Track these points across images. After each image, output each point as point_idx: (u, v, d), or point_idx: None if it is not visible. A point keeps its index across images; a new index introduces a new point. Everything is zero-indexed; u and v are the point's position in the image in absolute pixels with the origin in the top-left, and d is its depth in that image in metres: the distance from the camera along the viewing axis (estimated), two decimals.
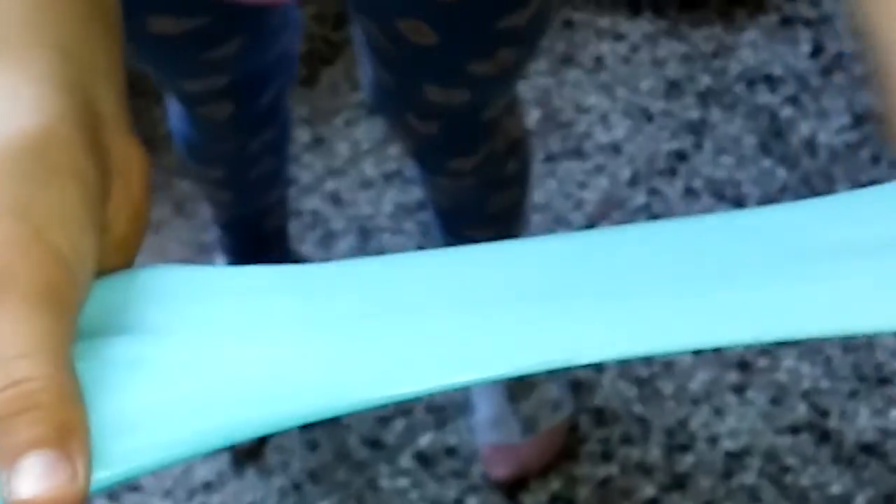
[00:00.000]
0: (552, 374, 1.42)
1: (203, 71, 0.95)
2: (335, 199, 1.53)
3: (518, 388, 1.40)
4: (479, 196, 1.16)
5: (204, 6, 0.85)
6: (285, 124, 1.20)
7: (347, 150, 1.55)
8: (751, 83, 1.60)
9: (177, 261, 1.50)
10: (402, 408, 1.44)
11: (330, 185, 1.53)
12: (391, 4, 0.85)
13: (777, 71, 1.60)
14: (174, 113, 1.15)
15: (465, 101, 0.96)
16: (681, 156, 1.56)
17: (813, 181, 1.55)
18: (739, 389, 1.46)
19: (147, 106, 1.55)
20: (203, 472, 1.41)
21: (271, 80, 1.05)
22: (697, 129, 1.58)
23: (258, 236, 1.36)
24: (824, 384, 1.46)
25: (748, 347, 1.48)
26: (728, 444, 1.44)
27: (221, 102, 1.03)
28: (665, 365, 1.47)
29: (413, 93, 0.96)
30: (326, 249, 1.50)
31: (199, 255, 1.50)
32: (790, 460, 1.43)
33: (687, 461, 1.43)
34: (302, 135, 1.55)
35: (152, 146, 1.54)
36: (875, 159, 1.56)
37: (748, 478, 1.41)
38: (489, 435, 1.41)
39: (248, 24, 0.92)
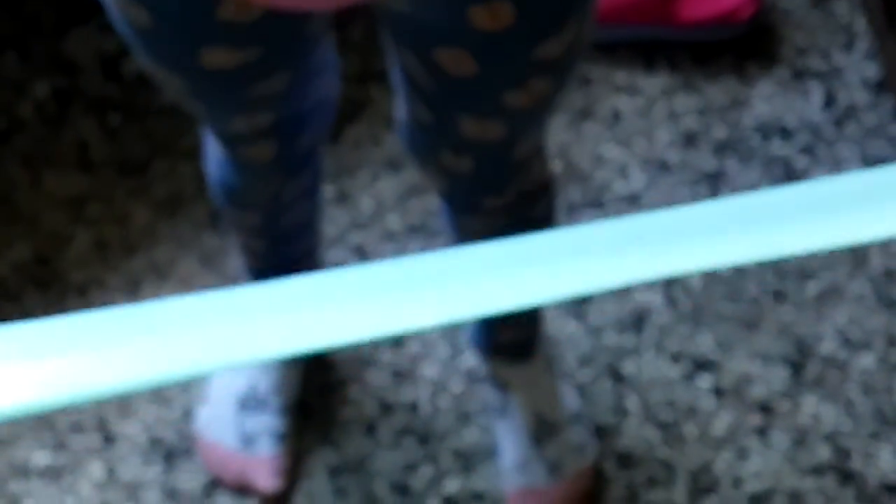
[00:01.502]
0: (576, 418, 1.44)
1: (251, 107, 0.98)
2: (360, 252, 1.56)
3: (543, 432, 1.42)
4: (507, 237, 1.19)
5: (256, 37, 0.89)
6: (319, 171, 1.24)
7: (371, 204, 1.58)
8: (765, 134, 1.63)
9: None
10: (429, 454, 1.46)
11: (355, 238, 1.57)
12: (432, 34, 0.89)
13: (791, 122, 1.64)
14: (213, 160, 1.18)
15: (499, 135, 0.99)
16: (699, 202, 1.59)
17: None
18: (762, 432, 1.48)
19: (175, 164, 1.59)
20: None
21: (311, 122, 1.08)
22: (714, 180, 1.61)
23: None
24: (846, 426, 1.48)
25: (770, 389, 1.50)
26: (752, 486, 1.45)
27: (264, 143, 1.06)
28: (688, 409, 1.49)
29: (449, 127, 0.99)
30: None
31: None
32: (814, 502, 1.45)
33: (711, 502, 1.44)
34: (327, 190, 1.58)
35: (180, 202, 1.57)
36: None
37: None
38: (516, 479, 1.42)
39: (295, 60, 0.95)
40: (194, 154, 1.60)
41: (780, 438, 1.48)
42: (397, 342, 1.51)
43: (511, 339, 1.40)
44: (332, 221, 1.57)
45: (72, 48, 1.66)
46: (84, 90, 1.63)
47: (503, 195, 1.11)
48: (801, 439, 1.48)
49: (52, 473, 1.44)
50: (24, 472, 1.44)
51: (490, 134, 0.99)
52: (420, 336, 1.51)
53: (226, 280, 1.54)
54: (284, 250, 1.32)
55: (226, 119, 1.00)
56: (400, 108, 1.07)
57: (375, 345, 1.51)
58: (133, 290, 1.53)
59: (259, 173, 1.13)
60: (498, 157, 1.04)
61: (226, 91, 0.94)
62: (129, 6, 0.85)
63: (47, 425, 1.46)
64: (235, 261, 1.55)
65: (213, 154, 1.17)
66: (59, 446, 1.45)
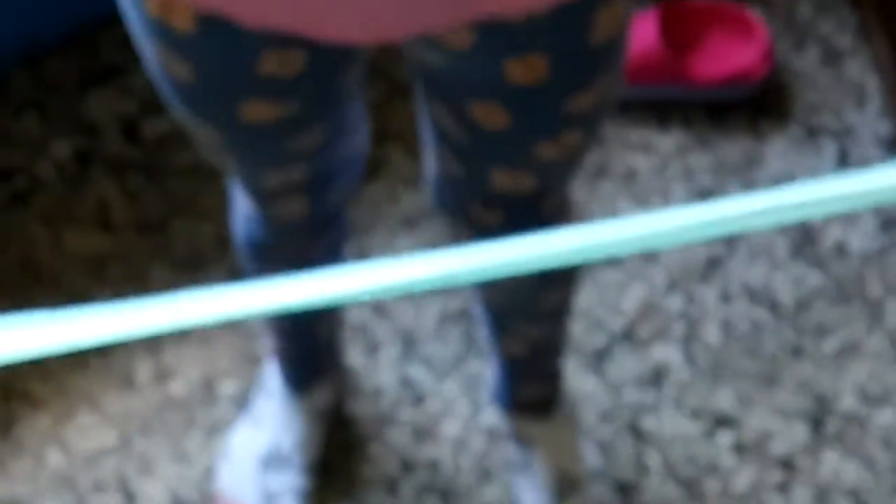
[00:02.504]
0: (597, 475, 1.44)
1: (285, 161, 0.99)
2: (379, 310, 1.57)
3: (564, 488, 1.42)
4: (532, 292, 1.20)
5: (296, 90, 0.90)
6: (345, 229, 1.24)
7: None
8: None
9: (227, 372, 1.53)
10: None
11: None
12: (466, 87, 0.90)
13: (804, 179, 1.65)
14: (240, 216, 1.19)
15: (530, 187, 1.00)
16: (715, 262, 1.60)
17: (846, 284, 1.59)
18: (783, 488, 1.48)
19: (193, 224, 1.60)
20: None
21: (341, 179, 1.09)
22: (731, 237, 1.62)
23: (312, 344, 1.39)
24: (867, 482, 1.48)
25: (790, 445, 1.50)
26: None
27: (295, 199, 1.07)
28: (709, 466, 1.49)
29: (480, 180, 1.00)
30: (372, 359, 1.53)
31: (248, 365, 1.53)
32: None
33: None
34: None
35: (199, 261, 1.58)
36: None
37: None
38: None
39: (330, 115, 0.96)
40: (213, 214, 1.61)
41: (802, 494, 1.48)
42: (418, 399, 1.51)
43: (532, 395, 1.40)
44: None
45: (92, 110, 1.67)
46: (104, 151, 1.64)
47: None
48: (822, 495, 1.48)
49: None
50: None
51: (521, 186, 1.00)
52: (441, 394, 1.51)
53: (246, 338, 1.55)
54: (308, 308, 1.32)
55: (259, 173, 1.01)
56: (429, 163, 1.08)
57: (396, 404, 1.51)
58: (154, 349, 1.54)
59: (288, 229, 1.13)
60: (527, 210, 1.05)
61: (262, 144, 0.95)
62: (172, 61, 0.86)
63: (69, 485, 1.46)
64: (258, 323, 1.55)
65: (241, 211, 1.18)
66: None
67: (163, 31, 0.85)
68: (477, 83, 0.89)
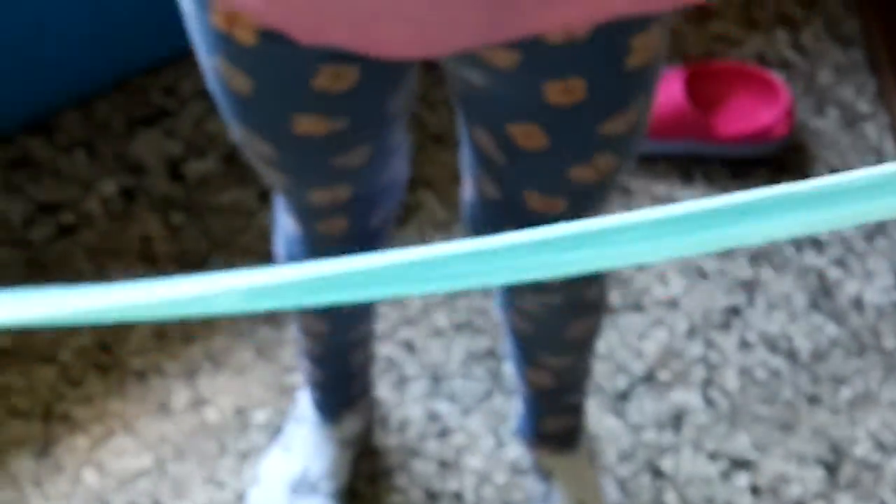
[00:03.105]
0: None
1: (331, 179, 1.05)
2: (409, 347, 1.62)
3: None
4: (560, 320, 1.25)
5: (346, 107, 0.96)
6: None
7: (420, 301, 1.65)
8: (799, 246, 1.70)
9: (259, 402, 1.58)
10: None
11: (404, 333, 1.63)
12: (506, 108, 0.96)
13: (823, 235, 1.71)
14: (283, 240, 1.24)
15: (563, 211, 1.05)
16: (735, 311, 1.65)
17: (862, 336, 1.63)
18: None
19: (231, 260, 1.66)
20: None
21: (383, 201, 1.15)
22: (750, 287, 1.67)
23: (345, 372, 1.44)
24: None
25: (805, 489, 1.53)
26: None
27: (339, 218, 1.12)
28: None
29: (515, 203, 1.06)
30: (400, 393, 1.58)
31: (281, 396, 1.58)
32: None
33: None
34: None
35: None
36: None
37: None
38: None
39: (377, 134, 1.02)
40: (250, 251, 1.67)
41: None
42: (444, 433, 1.56)
43: (555, 428, 1.44)
44: (383, 317, 1.63)
45: (138, 150, 1.74)
46: (149, 189, 1.71)
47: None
48: None
49: None
50: None
51: (554, 210, 1.05)
52: (465, 428, 1.56)
53: (278, 370, 1.60)
54: (343, 333, 1.37)
55: (306, 190, 1.07)
56: (466, 187, 1.14)
57: (421, 436, 1.56)
58: (190, 377, 1.59)
59: (329, 251, 1.19)
60: None
61: (311, 159, 1.01)
62: (232, 73, 0.93)
63: None
64: (291, 352, 1.61)
65: (284, 234, 1.24)
66: None
67: (226, 45, 0.91)
68: (516, 104, 0.95)
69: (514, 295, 1.23)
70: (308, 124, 0.96)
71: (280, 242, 1.25)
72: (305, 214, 1.13)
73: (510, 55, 0.91)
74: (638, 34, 0.91)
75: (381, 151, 1.06)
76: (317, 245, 1.19)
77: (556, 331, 1.27)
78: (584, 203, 1.06)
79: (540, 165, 1.00)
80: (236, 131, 1.02)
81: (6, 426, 1.55)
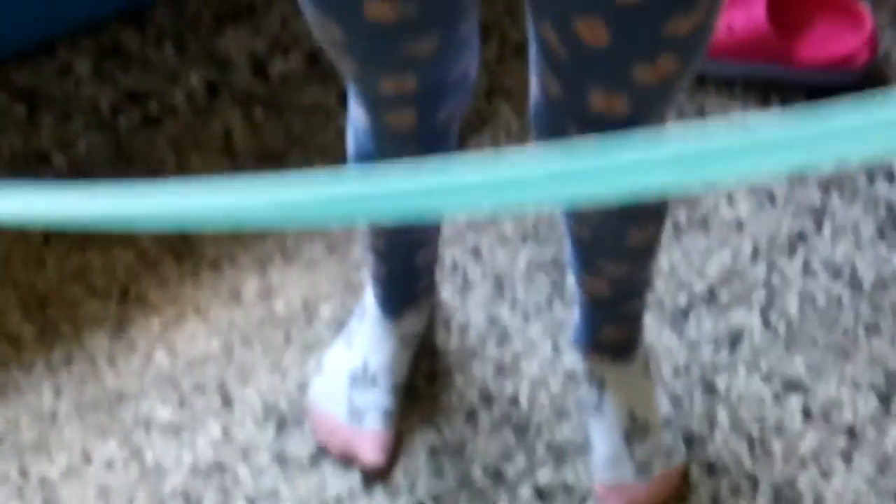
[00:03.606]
0: (667, 423, 1.51)
1: (400, 66, 1.08)
2: (475, 252, 1.65)
3: (635, 431, 1.49)
4: (619, 228, 1.27)
5: None
6: (451, 153, 1.33)
7: None
8: (871, 176, 1.70)
9: (327, 296, 1.63)
10: (524, 445, 1.54)
11: (471, 238, 1.66)
12: (572, 5, 0.98)
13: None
14: (354, 134, 1.28)
15: (625, 111, 1.07)
16: (801, 236, 1.66)
17: None
18: (847, 455, 1.53)
19: (309, 157, 1.71)
20: (336, 487, 1.51)
21: (450, 96, 1.18)
22: (818, 214, 1.68)
23: (410, 267, 1.48)
24: None
25: (857, 415, 1.55)
26: None
27: (407, 109, 1.15)
28: (776, 427, 1.55)
29: (577, 100, 1.08)
30: (463, 297, 1.62)
31: (348, 292, 1.63)
32: None
33: None
34: None
35: None
36: None
37: None
38: (604, 474, 1.49)
39: (446, 24, 1.05)
40: (327, 150, 1.71)
41: (864, 463, 1.53)
42: (503, 338, 1.60)
43: (611, 337, 1.47)
44: (450, 222, 1.67)
45: (225, 46, 1.79)
46: (232, 84, 1.76)
47: None
48: (884, 466, 1.53)
49: (173, 429, 1.55)
50: (147, 425, 1.55)
51: (616, 109, 1.07)
52: (525, 335, 1.60)
53: (347, 266, 1.65)
54: (409, 230, 1.41)
55: (375, 78, 1.10)
56: (532, 86, 1.16)
57: (481, 340, 1.60)
58: (261, 269, 1.64)
59: (398, 143, 1.22)
60: (622, 133, 1.12)
61: (380, 45, 1.04)
62: None
63: (172, 385, 1.57)
64: (359, 248, 1.65)
65: (355, 129, 1.27)
66: (182, 404, 1.56)
67: None
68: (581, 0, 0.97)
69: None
70: (377, 8, 0.99)
71: (350, 135, 1.29)
72: (374, 104, 1.16)
73: None
74: None
75: (449, 42, 1.08)
76: (385, 138, 1.22)
77: (615, 238, 1.29)
78: (645, 106, 1.08)
79: (602, 62, 1.02)
80: (309, 14, 1.05)
81: (84, 304, 1.62)
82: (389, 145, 1.23)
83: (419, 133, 1.21)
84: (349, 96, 1.24)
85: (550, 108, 1.14)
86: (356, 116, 1.24)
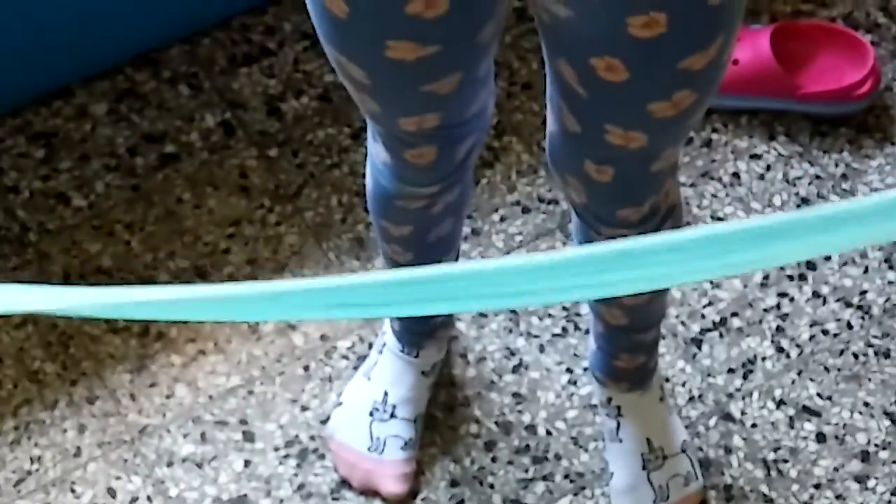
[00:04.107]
0: (684, 450, 1.53)
1: (421, 105, 1.10)
2: None
3: (652, 458, 1.51)
4: None
5: (438, 34, 1.01)
6: (467, 189, 1.36)
7: (502, 242, 1.71)
8: None
9: (345, 331, 1.65)
10: (544, 472, 1.55)
11: None
12: (588, 41, 1.01)
13: None
14: (373, 170, 1.30)
15: (642, 146, 1.10)
16: (810, 265, 1.69)
17: None
18: (861, 479, 1.55)
19: (324, 194, 1.73)
20: None
21: (469, 132, 1.20)
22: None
23: None
24: None
25: (870, 439, 1.57)
26: None
27: (427, 146, 1.18)
28: (791, 451, 1.57)
29: (595, 136, 1.10)
30: (479, 328, 1.65)
31: (365, 325, 1.65)
32: None
33: None
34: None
35: (328, 228, 1.71)
36: None
37: None
38: (623, 500, 1.51)
39: (466, 63, 1.08)
40: (341, 187, 1.74)
41: (879, 486, 1.55)
42: (519, 368, 1.62)
43: (628, 366, 1.50)
44: (465, 255, 1.69)
45: (239, 86, 1.82)
46: (247, 124, 1.79)
47: (638, 208, 1.21)
48: None
49: (196, 463, 1.57)
50: (170, 459, 1.57)
51: (633, 144, 1.10)
52: (541, 364, 1.62)
53: None
54: (426, 265, 1.43)
55: (395, 117, 1.13)
56: (550, 122, 1.19)
57: (499, 371, 1.62)
58: None
59: (416, 178, 1.25)
60: (637, 169, 1.15)
61: (401, 85, 1.07)
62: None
63: (194, 419, 1.59)
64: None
65: (373, 164, 1.30)
66: (204, 439, 1.58)
67: None
68: (599, 37, 1.00)
69: (590, 228, 1.28)
70: (400, 50, 1.02)
71: (369, 171, 1.31)
72: (395, 142, 1.19)
73: None
74: None
75: (469, 80, 1.11)
76: (404, 173, 1.24)
77: None
78: (662, 139, 1.10)
79: (620, 99, 1.04)
80: (331, 55, 1.08)
81: (105, 342, 1.64)
82: (408, 180, 1.25)
83: (438, 169, 1.23)
84: (368, 132, 1.27)
85: (567, 144, 1.17)
86: (375, 152, 1.27)
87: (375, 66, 1.05)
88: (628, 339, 1.46)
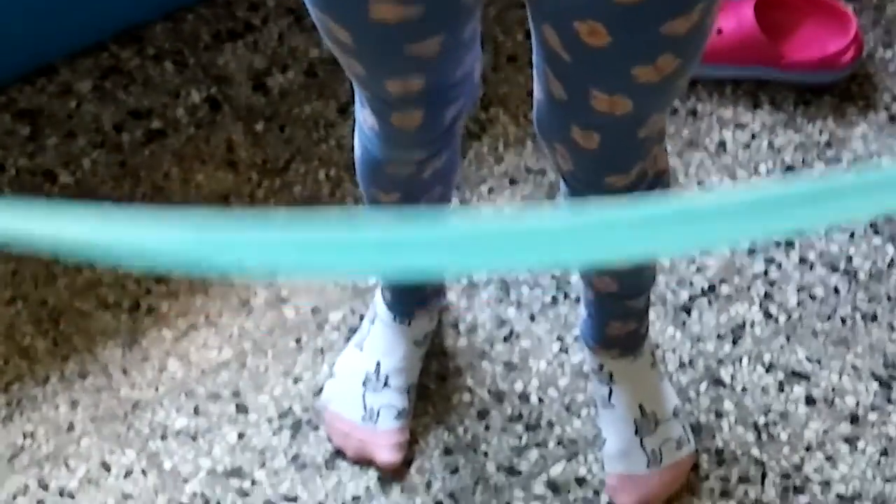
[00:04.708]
0: (675, 414, 1.54)
1: (406, 67, 1.10)
2: None
3: (644, 423, 1.52)
4: None
5: None
6: (455, 156, 1.36)
7: (490, 214, 1.71)
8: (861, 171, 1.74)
9: (336, 302, 1.65)
10: (537, 440, 1.56)
11: None
12: (572, 7, 1.01)
13: (886, 161, 1.75)
14: (361, 138, 1.31)
15: (627, 111, 1.11)
16: (797, 231, 1.70)
17: None
18: (851, 441, 1.57)
19: (312, 168, 1.73)
20: (353, 488, 1.54)
21: (456, 96, 1.21)
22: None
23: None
24: None
25: (859, 402, 1.58)
26: (840, 489, 1.54)
27: (413, 110, 1.18)
28: (781, 415, 1.58)
29: (581, 102, 1.11)
30: (470, 298, 1.65)
31: (356, 297, 1.66)
32: None
33: (801, 502, 1.53)
34: None
35: (316, 202, 1.71)
36: None
37: None
38: (616, 465, 1.52)
39: (450, 25, 1.08)
40: (329, 160, 1.74)
41: (868, 447, 1.57)
42: (511, 337, 1.63)
43: (619, 333, 1.51)
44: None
45: (224, 62, 1.82)
46: (234, 99, 1.79)
47: (625, 174, 1.21)
48: (888, 449, 1.56)
49: (189, 436, 1.57)
50: (163, 433, 1.57)
51: (618, 110, 1.10)
52: (532, 333, 1.63)
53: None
54: None
55: (380, 80, 1.13)
56: (536, 90, 1.19)
57: (490, 339, 1.62)
58: (270, 277, 1.67)
59: (403, 143, 1.25)
60: (623, 136, 1.16)
61: (385, 46, 1.07)
62: None
63: (187, 393, 1.59)
64: None
65: (361, 130, 1.30)
66: (197, 412, 1.58)
67: None
68: (582, 2, 1.00)
69: (577, 195, 1.28)
70: (383, 10, 1.02)
71: (357, 138, 1.32)
72: (381, 106, 1.19)
73: None
74: None
75: (454, 43, 1.11)
76: (392, 139, 1.24)
77: None
78: (647, 105, 1.11)
79: (603, 63, 1.05)
80: (315, 16, 1.08)
81: (96, 317, 1.64)
82: (396, 146, 1.25)
83: (425, 133, 1.24)
84: (355, 99, 1.27)
85: (554, 111, 1.17)
86: (362, 118, 1.27)
87: (359, 27, 1.05)
88: (619, 305, 1.47)
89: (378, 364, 1.56)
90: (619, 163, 1.21)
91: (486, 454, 1.56)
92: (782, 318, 1.65)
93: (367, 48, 1.08)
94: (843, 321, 1.64)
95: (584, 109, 1.12)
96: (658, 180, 1.28)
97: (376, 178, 1.34)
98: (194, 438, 1.57)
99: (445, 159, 1.33)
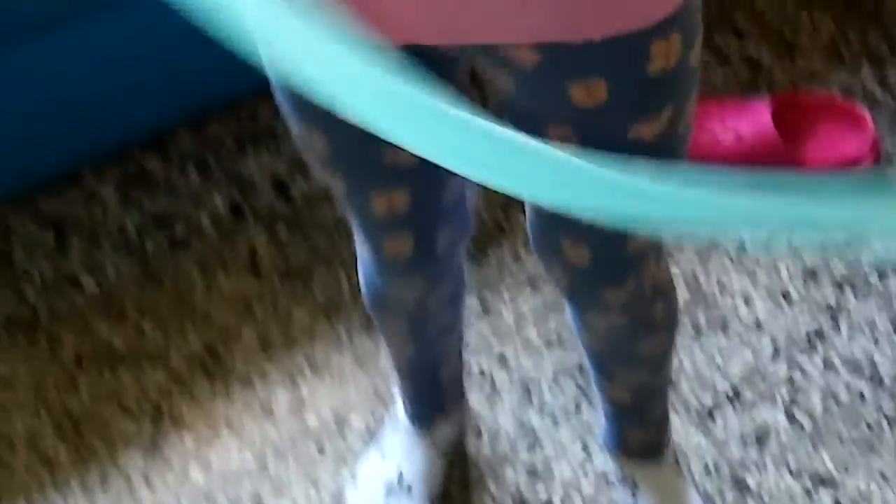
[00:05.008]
0: None
1: (387, 178, 1.09)
2: (501, 361, 1.68)
3: None
4: (629, 339, 1.29)
5: None
6: (460, 282, 1.36)
7: (512, 318, 1.71)
8: (882, 273, 1.74)
9: (357, 407, 1.65)
10: None
11: (497, 348, 1.69)
12: (538, 113, 1.00)
13: None
14: (363, 269, 1.31)
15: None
16: (819, 334, 1.70)
17: None
18: None
19: (334, 273, 1.74)
20: None
21: (445, 220, 1.19)
22: (834, 312, 1.71)
23: (436, 384, 1.51)
24: None
25: None
26: None
27: (401, 232, 1.16)
28: None
29: (564, 213, 1.10)
30: (492, 404, 1.65)
31: (378, 402, 1.65)
32: None
33: None
34: (472, 303, 1.71)
35: (338, 306, 1.72)
36: None
37: None
38: None
39: None
40: (351, 265, 1.74)
41: None
42: (534, 443, 1.62)
43: (639, 440, 1.49)
44: (477, 332, 1.70)
45: (247, 168, 1.83)
46: (256, 205, 1.80)
47: (621, 287, 1.19)
48: None
49: None
50: None
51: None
52: (555, 439, 1.62)
53: (377, 377, 1.67)
54: (430, 352, 1.44)
55: (365, 194, 1.11)
56: (527, 207, 1.19)
57: (512, 446, 1.61)
58: (291, 383, 1.67)
59: (401, 273, 1.23)
60: (613, 247, 1.14)
61: (362, 152, 1.05)
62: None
63: (209, 500, 1.58)
64: (387, 361, 1.68)
65: (362, 263, 1.30)
66: None
67: None
68: (547, 107, 1.00)
69: (581, 312, 1.27)
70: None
71: (362, 274, 1.32)
72: (370, 230, 1.17)
73: (531, 55, 0.95)
74: (658, 41, 0.96)
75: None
76: (388, 269, 1.23)
77: (626, 349, 1.32)
78: None
79: None
80: (294, 126, 1.09)
81: (118, 424, 1.64)
82: (393, 276, 1.24)
83: (420, 261, 1.21)
84: (355, 236, 1.26)
85: (543, 225, 1.16)
86: (361, 251, 1.27)
87: (335, 133, 1.05)
88: (636, 415, 1.47)
89: (400, 471, 1.55)
90: (611, 276, 1.19)
91: None
92: (807, 423, 1.63)
93: (345, 156, 1.08)
94: (870, 426, 1.63)
95: (570, 221, 1.11)
96: (659, 295, 1.26)
97: (381, 306, 1.34)
98: None
99: (449, 287, 1.32)
